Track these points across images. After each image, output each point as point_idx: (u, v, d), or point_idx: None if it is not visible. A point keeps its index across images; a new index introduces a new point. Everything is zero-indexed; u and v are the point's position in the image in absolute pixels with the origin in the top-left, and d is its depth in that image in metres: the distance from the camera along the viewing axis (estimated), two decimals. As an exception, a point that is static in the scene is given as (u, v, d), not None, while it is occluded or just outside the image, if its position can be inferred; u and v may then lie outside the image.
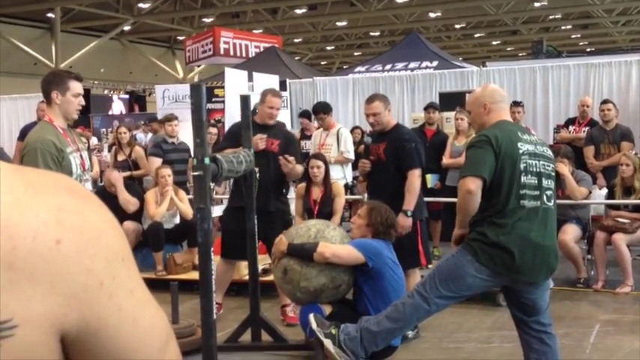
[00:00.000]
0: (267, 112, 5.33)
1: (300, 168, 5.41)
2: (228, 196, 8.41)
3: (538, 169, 3.41)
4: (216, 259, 3.80)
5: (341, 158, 7.63)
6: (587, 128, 8.24)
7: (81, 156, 3.84)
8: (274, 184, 5.30)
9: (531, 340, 3.53)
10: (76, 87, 3.80)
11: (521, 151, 3.38)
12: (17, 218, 0.64)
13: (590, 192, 6.66)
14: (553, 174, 3.53)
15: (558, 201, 6.48)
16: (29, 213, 0.64)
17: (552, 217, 3.50)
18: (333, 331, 3.67)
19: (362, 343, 3.61)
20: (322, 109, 7.90)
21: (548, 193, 3.44)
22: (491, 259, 3.35)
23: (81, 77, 3.91)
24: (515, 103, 8.62)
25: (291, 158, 5.20)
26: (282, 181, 5.43)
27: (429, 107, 8.11)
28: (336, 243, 4.23)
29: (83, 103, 3.90)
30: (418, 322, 3.66)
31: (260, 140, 5.20)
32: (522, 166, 3.36)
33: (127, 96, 22.45)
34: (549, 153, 3.59)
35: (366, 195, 8.07)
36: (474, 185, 3.31)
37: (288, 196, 6.43)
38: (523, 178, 3.35)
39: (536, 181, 3.39)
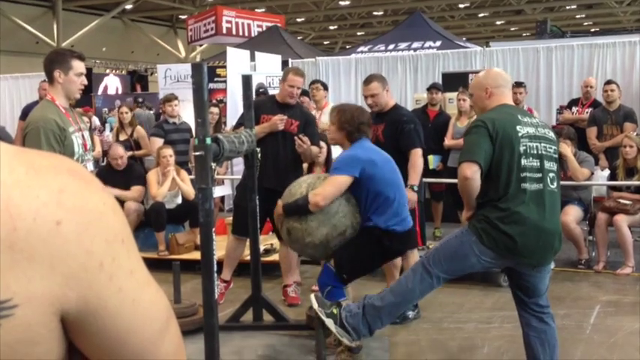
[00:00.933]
0: (288, 90, 5.29)
1: (315, 149, 5.37)
2: (229, 177, 8.47)
3: (539, 152, 3.40)
4: (217, 240, 3.80)
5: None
6: (590, 109, 8.20)
7: (83, 136, 3.83)
8: (291, 164, 5.28)
9: (530, 318, 3.57)
10: (78, 66, 3.79)
11: (520, 134, 3.37)
12: (18, 199, 0.64)
13: (593, 173, 6.65)
14: (556, 156, 3.51)
15: (561, 182, 6.52)
16: (30, 194, 0.65)
17: (556, 199, 3.49)
18: (335, 311, 3.68)
19: (365, 318, 3.59)
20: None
21: (551, 175, 3.43)
22: (494, 242, 3.36)
23: (84, 56, 3.89)
24: (518, 84, 8.58)
25: (306, 139, 5.17)
26: (299, 162, 5.40)
27: (431, 88, 8.08)
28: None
29: (85, 82, 3.89)
30: (421, 297, 3.65)
31: (280, 121, 5.18)
32: (522, 148, 3.35)
33: (122, 73, 22.36)
34: (551, 135, 3.57)
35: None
36: (469, 171, 3.33)
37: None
38: (523, 161, 3.34)
39: (538, 164, 3.38)
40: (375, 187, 4.08)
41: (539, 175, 3.38)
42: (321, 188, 4.11)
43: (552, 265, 6.23)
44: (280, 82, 5.53)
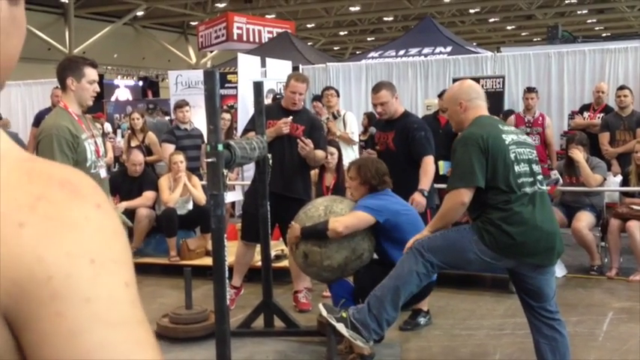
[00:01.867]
0: (290, 96, 5.32)
1: (321, 154, 5.37)
2: (240, 182, 8.49)
3: (527, 157, 3.49)
4: (229, 245, 3.81)
5: (345, 135, 7.73)
6: (601, 115, 8.16)
7: (95, 142, 3.86)
8: (297, 169, 5.29)
9: (541, 325, 3.56)
10: (91, 73, 3.82)
11: (507, 142, 3.43)
12: None
13: (605, 179, 6.61)
14: (537, 159, 3.62)
15: (573, 188, 6.50)
16: (10, 196, 0.63)
17: (548, 200, 3.60)
18: (344, 315, 3.67)
19: (371, 312, 3.59)
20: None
21: (540, 177, 3.52)
22: (494, 241, 3.38)
23: (96, 64, 3.92)
24: (529, 89, 8.56)
25: (308, 141, 5.18)
26: (305, 167, 5.40)
27: (442, 94, 8.06)
28: (345, 214, 4.24)
29: (98, 89, 3.92)
30: (420, 282, 3.57)
31: (284, 124, 5.19)
32: (512, 156, 3.41)
33: (132, 82, 22.44)
34: (530, 140, 3.76)
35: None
36: (467, 198, 3.38)
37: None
38: (517, 168, 3.41)
39: (528, 168, 3.45)
40: (399, 235, 4.10)
41: (532, 178, 3.45)
42: (345, 218, 4.15)
43: (564, 272, 6.24)
44: (284, 89, 5.53)
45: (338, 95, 8.24)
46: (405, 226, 4.12)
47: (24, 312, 0.61)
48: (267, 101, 8.57)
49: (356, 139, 8.03)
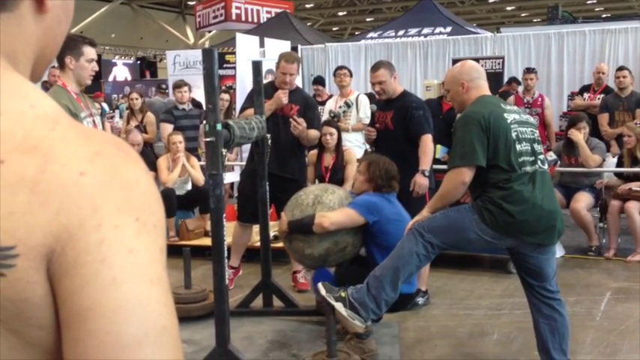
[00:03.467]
0: (281, 77, 5.29)
1: (314, 133, 5.36)
2: (239, 163, 8.47)
3: (529, 136, 3.49)
4: (228, 225, 3.81)
5: (359, 126, 7.54)
6: (601, 95, 8.14)
7: (94, 121, 3.84)
8: (291, 149, 5.28)
9: (540, 305, 3.57)
10: (90, 52, 3.80)
11: (508, 121, 3.44)
12: (59, 149, 0.66)
13: (604, 160, 6.61)
14: (539, 138, 3.62)
15: (572, 169, 6.50)
16: (70, 147, 0.67)
17: (549, 179, 3.59)
18: (343, 294, 3.67)
19: (370, 292, 3.58)
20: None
21: (541, 157, 3.53)
22: (495, 220, 3.38)
23: (95, 43, 3.90)
24: (529, 70, 8.53)
25: (301, 120, 5.16)
26: (300, 147, 5.39)
27: None
28: (334, 207, 4.20)
29: (97, 68, 3.90)
30: (420, 263, 3.57)
31: (283, 94, 5.17)
32: (514, 134, 3.42)
33: (130, 61, 22.33)
34: (532, 120, 3.76)
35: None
36: (468, 177, 3.39)
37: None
38: (518, 147, 3.41)
39: (529, 147, 3.46)
40: (384, 241, 4.08)
41: (533, 157, 3.45)
42: (333, 214, 4.15)
43: (562, 253, 6.26)
44: (275, 69, 5.52)
45: (351, 75, 7.85)
46: (393, 234, 4.02)
47: (68, 257, 0.64)
48: (266, 81, 8.51)
49: (368, 121, 7.80)
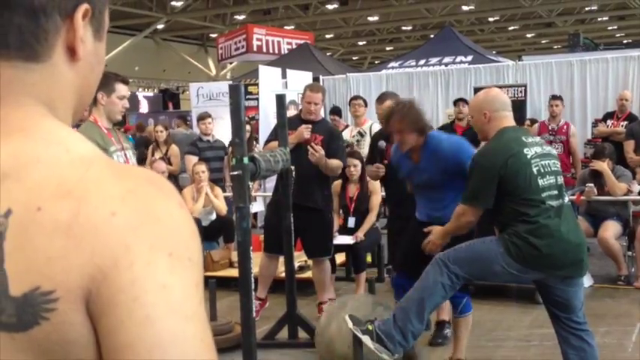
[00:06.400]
0: (306, 107, 5.36)
1: (335, 162, 5.28)
2: (262, 194, 8.51)
3: (552, 168, 3.47)
4: (254, 256, 3.82)
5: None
6: (625, 122, 8.09)
7: (125, 155, 3.90)
8: (316, 180, 5.28)
9: (569, 336, 3.52)
10: (121, 89, 3.88)
11: (529, 156, 3.43)
12: (92, 190, 0.67)
13: (630, 188, 6.54)
14: (560, 170, 3.61)
15: (599, 198, 6.43)
16: (103, 187, 0.67)
17: (572, 212, 3.63)
18: (370, 327, 3.65)
19: (396, 324, 3.57)
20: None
21: (564, 190, 3.54)
22: (521, 254, 3.37)
23: (127, 80, 3.99)
24: (554, 97, 8.48)
25: (319, 147, 5.13)
26: (324, 177, 5.39)
27: (458, 101, 7.99)
28: None
29: (127, 105, 3.98)
30: (445, 293, 3.55)
31: (306, 129, 5.21)
32: (535, 169, 3.40)
33: (151, 94, 22.61)
34: (554, 151, 3.76)
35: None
36: (474, 217, 3.52)
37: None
38: (540, 182, 3.40)
39: (554, 181, 3.45)
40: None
41: (556, 191, 3.44)
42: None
43: (591, 282, 6.17)
44: (301, 100, 5.57)
45: (366, 105, 7.85)
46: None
47: (103, 297, 0.65)
48: (289, 113, 8.59)
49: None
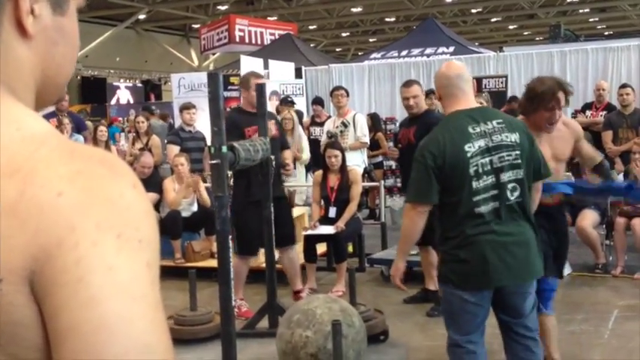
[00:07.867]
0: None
1: (287, 153, 5.59)
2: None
3: (494, 166, 2.99)
4: (233, 246, 3.82)
5: (357, 144, 7.62)
6: (604, 113, 8.16)
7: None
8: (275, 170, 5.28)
9: (517, 347, 3.23)
10: None
11: (469, 155, 2.97)
12: (40, 170, 0.65)
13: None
14: (519, 161, 3.04)
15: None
16: (51, 167, 0.66)
17: (522, 210, 3.06)
18: None
19: None
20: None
21: (511, 186, 3.02)
22: (459, 277, 3.04)
23: None
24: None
25: (291, 166, 5.50)
26: (279, 167, 5.39)
27: (430, 93, 7.80)
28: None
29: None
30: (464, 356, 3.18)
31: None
32: (472, 170, 2.97)
33: (132, 84, 22.48)
34: (511, 138, 3.05)
35: (382, 182, 8.11)
36: (419, 217, 3.06)
37: (308, 183, 6.41)
38: (474, 184, 2.97)
39: (492, 180, 2.99)
40: None
41: (495, 191, 2.99)
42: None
43: (569, 271, 6.21)
44: (243, 90, 5.36)
45: (348, 95, 7.91)
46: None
47: (47, 278, 0.63)
48: (270, 103, 8.58)
49: (367, 140, 7.82)
